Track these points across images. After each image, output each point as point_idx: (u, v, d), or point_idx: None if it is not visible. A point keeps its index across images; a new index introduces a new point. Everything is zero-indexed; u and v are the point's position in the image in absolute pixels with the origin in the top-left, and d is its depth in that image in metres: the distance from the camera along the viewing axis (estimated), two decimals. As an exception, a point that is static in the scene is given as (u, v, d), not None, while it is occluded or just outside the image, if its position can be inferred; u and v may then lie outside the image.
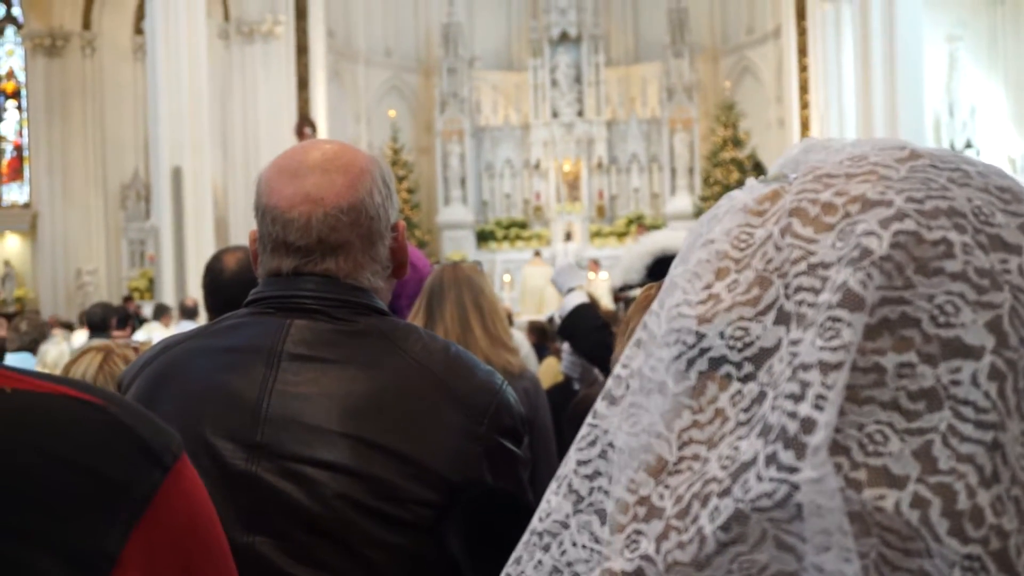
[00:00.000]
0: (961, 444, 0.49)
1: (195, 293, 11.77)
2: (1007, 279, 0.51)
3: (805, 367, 0.50)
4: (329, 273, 1.38)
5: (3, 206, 19.62)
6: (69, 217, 18.72)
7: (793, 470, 0.49)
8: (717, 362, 0.55)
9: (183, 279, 12.76)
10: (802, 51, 16.46)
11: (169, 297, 12.50)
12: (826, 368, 0.49)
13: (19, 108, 19.77)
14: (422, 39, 19.86)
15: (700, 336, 0.55)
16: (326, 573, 1.26)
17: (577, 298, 3.41)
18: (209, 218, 13.59)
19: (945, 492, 0.48)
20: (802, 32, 16.48)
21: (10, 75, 19.80)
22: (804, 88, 16.43)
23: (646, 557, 0.53)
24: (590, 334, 3.35)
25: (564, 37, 19.29)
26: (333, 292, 1.37)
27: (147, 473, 0.56)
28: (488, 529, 1.36)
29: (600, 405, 0.61)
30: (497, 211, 19.60)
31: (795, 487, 0.49)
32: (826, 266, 0.52)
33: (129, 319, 8.09)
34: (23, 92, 19.59)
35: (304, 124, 15.55)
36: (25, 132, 19.56)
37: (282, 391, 1.31)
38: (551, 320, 7.15)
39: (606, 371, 3.32)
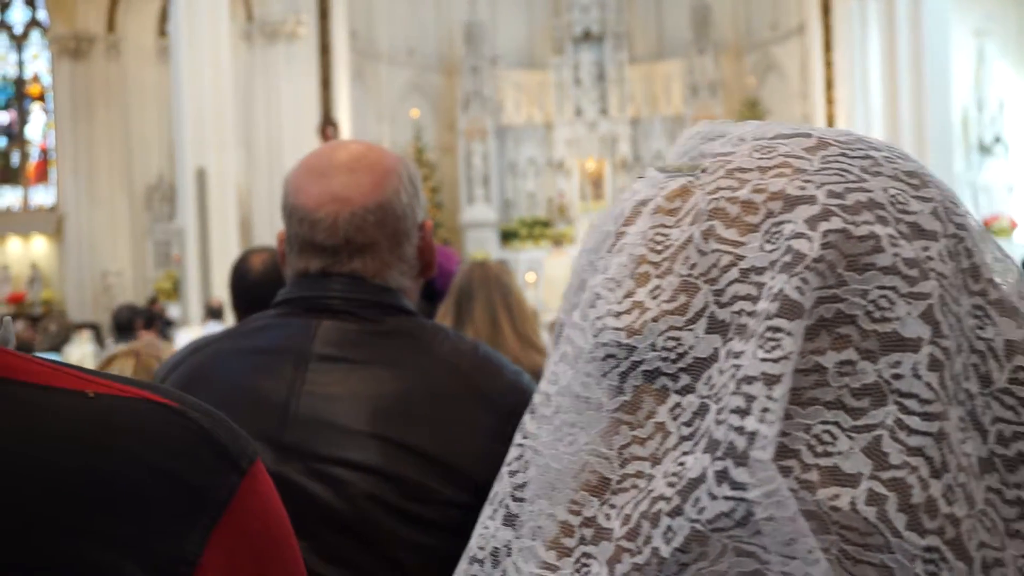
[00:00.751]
0: (910, 437, 0.49)
1: (220, 293, 11.83)
2: (931, 267, 0.52)
3: (748, 380, 0.49)
4: (356, 273, 1.38)
5: (30, 209, 19.82)
6: (95, 219, 18.87)
7: (746, 487, 0.48)
8: (651, 375, 0.53)
9: (208, 280, 12.82)
10: (827, 47, 16.33)
11: (194, 297, 12.56)
12: (770, 380, 0.49)
13: (45, 111, 19.96)
14: (444, 38, 19.86)
15: (630, 349, 0.54)
16: (354, 573, 1.26)
17: None
18: (233, 218, 13.65)
19: (899, 487, 0.48)
20: (827, 27, 16.36)
21: (36, 79, 19.99)
22: (829, 84, 16.31)
23: None
24: None
25: (587, 35, 19.24)
26: (360, 292, 1.37)
27: (225, 477, 0.56)
28: None
29: (528, 423, 0.59)
30: (520, 210, 19.59)
31: (752, 504, 0.48)
32: (759, 271, 0.52)
33: (155, 320, 8.13)
34: (49, 95, 19.77)
35: (327, 124, 15.59)
36: (51, 135, 19.73)
37: (311, 392, 1.31)
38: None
39: None
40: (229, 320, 9.96)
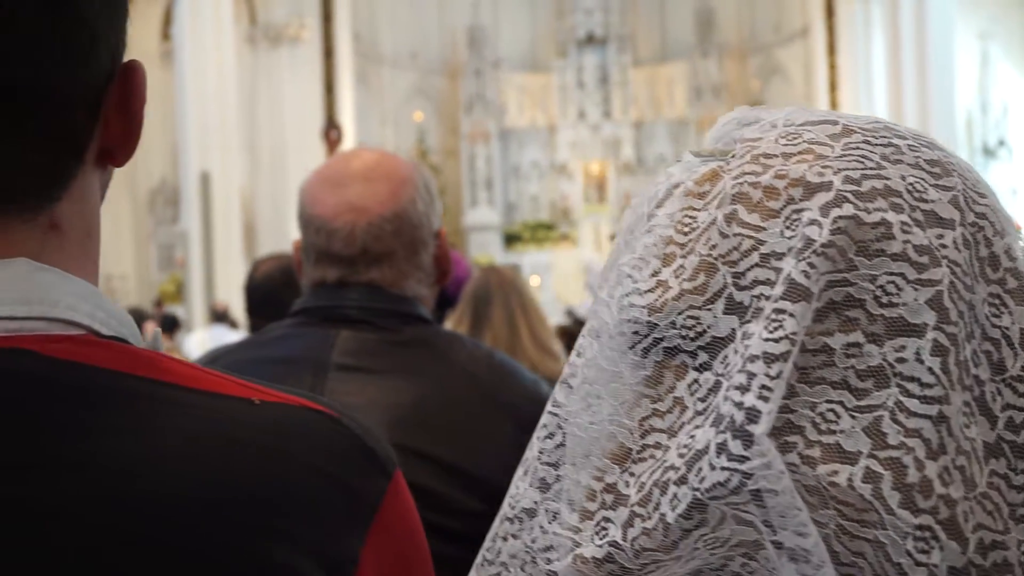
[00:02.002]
0: (908, 419, 0.50)
1: (224, 296, 11.83)
2: (944, 254, 0.53)
3: (752, 359, 0.51)
4: (374, 282, 1.38)
5: (34, 211, 19.80)
6: (99, 222, 18.85)
7: (742, 459, 0.50)
8: (672, 351, 0.55)
9: (212, 282, 12.82)
10: (831, 49, 16.32)
11: (198, 300, 12.56)
12: (770, 359, 0.51)
13: (49, 114, 19.96)
14: (447, 41, 19.88)
15: (652, 326, 0.56)
16: None
17: None
18: (237, 221, 13.66)
19: (895, 466, 0.50)
20: (831, 30, 16.35)
21: (40, 82, 20.00)
22: (833, 87, 16.29)
23: (614, 543, 0.54)
24: None
25: (590, 38, 19.26)
26: (378, 302, 1.37)
27: (376, 480, 0.59)
28: None
29: (558, 392, 0.62)
30: (524, 213, 19.60)
31: (747, 475, 0.50)
32: (778, 256, 0.53)
33: (175, 325, 8.12)
34: (53, 98, 19.78)
35: (330, 127, 15.59)
36: (55, 138, 19.73)
37: None
38: (576, 321, 7.12)
39: None
40: (238, 323, 9.96)
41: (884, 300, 0.52)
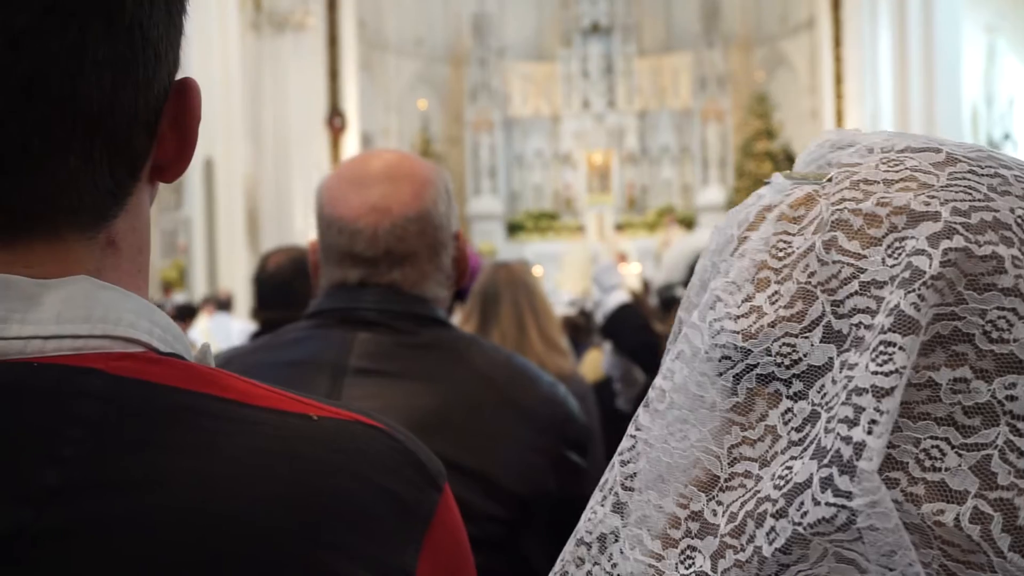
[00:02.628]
0: (1020, 459, 0.49)
1: (226, 283, 11.83)
2: None
3: (859, 391, 0.50)
4: (395, 283, 1.37)
5: (37, 196, 19.80)
6: (102, 207, 18.85)
7: (850, 495, 0.49)
8: (765, 379, 0.54)
9: (214, 269, 12.82)
10: (837, 41, 16.26)
11: (200, 287, 12.57)
12: (879, 393, 0.49)
13: (53, 99, 19.95)
14: (452, 29, 19.83)
15: (746, 352, 0.55)
16: None
17: (619, 297, 3.41)
18: (240, 208, 13.66)
19: (1006, 507, 0.49)
20: (837, 22, 16.28)
21: (44, 66, 19.98)
22: (839, 79, 16.24)
23: (702, 574, 0.54)
24: (633, 334, 3.36)
25: (595, 27, 19.20)
26: (395, 304, 1.36)
27: (428, 493, 0.61)
28: (557, 546, 1.37)
29: (642, 415, 0.61)
30: (527, 202, 19.57)
31: (854, 512, 0.49)
32: (879, 285, 0.52)
33: (194, 313, 8.09)
34: (57, 83, 19.76)
35: (334, 115, 15.57)
36: (59, 123, 19.72)
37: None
38: (582, 313, 7.11)
39: (650, 371, 3.32)
40: (239, 311, 9.97)
41: (994, 336, 0.51)
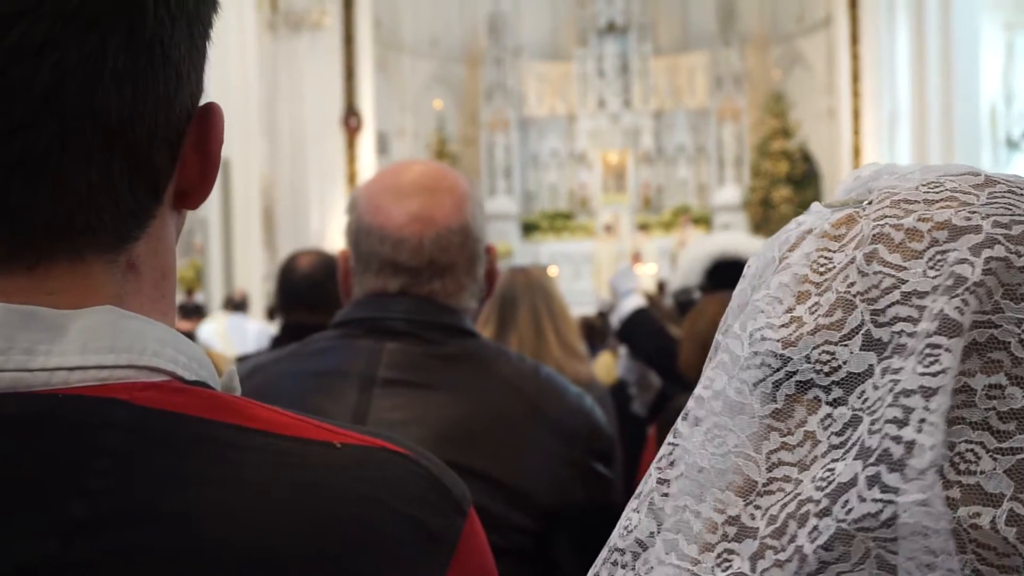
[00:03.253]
0: None
1: (243, 284, 11.86)
2: None
3: (907, 393, 0.51)
4: (434, 294, 1.37)
5: (56, 196, 19.92)
6: (120, 207, 18.93)
7: (898, 491, 0.50)
8: (804, 385, 0.56)
9: (231, 269, 12.86)
10: (854, 39, 16.17)
11: (216, 287, 12.62)
12: (928, 393, 0.50)
13: (71, 100, 20.06)
14: (468, 29, 19.84)
15: (785, 359, 0.56)
16: None
17: (635, 302, 3.42)
18: (256, 208, 13.70)
19: None
20: (854, 20, 16.20)
21: (63, 67, 20.09)
22: (856, 77, 16.16)
23: (740, 575, 0.54)
24: (649, 339, 3.36)
25: (611, 26, 19.18)
26: (423, 314, 1.37)
27: (453, 520, 0.61)
28: (587, 556, 1.39)
29: (681, 425, 0.62)
30: (542, 202, 19.57)
31: (901, 508, 0.50)
32: (920, 295, 0.53)
33: (197, 313, 8.09)
34: (75, 84, 19.87)
35: (350, 115, 15.60)
36: (77, 123, 19.83)
37: (376, 418, 1.30)
38: (600, 314, 7.10)
39: (665, 376, 3.31)
40: (255, 312, 9.99)
41: None
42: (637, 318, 3.35)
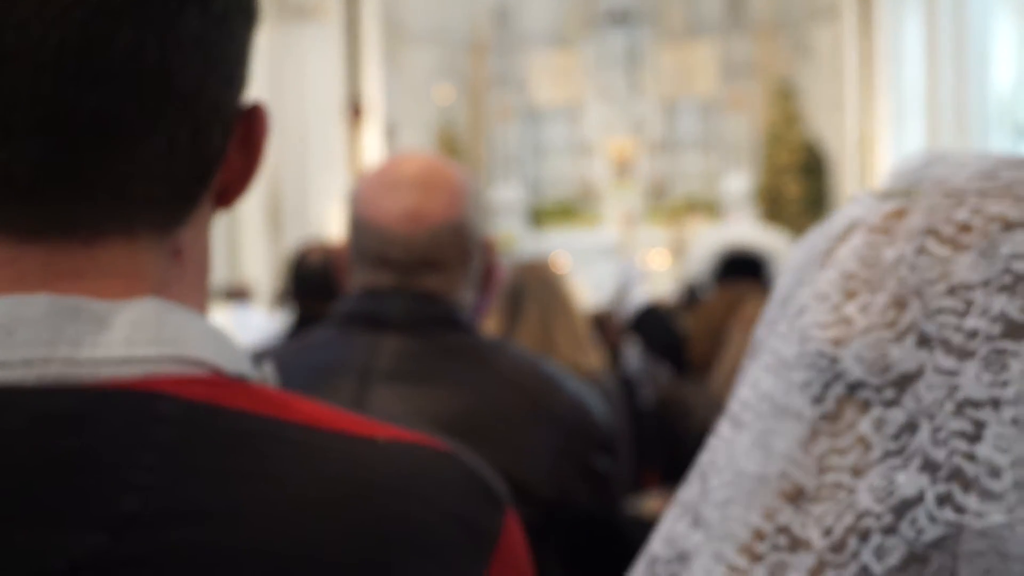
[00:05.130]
0: None
1: (246, 273, 11.83)
2: None
3: (975, 404, 0.49)
4: (428, 289, 1.38)
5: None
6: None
7: (977, 515, 0.48)
8: (855, 387, 0.54)
9: (235, 259, 12.85)
10: (864, 28, 16.06)
11: (221, 276, 12.60)
12: (999, 405, 0.49)
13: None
14: (474, 18, 19.75)
15: (834, 360, 0.55)
16: None
17: (645, 296, 3.50)
18: (261, 198, 13.67)
19: None
20: (865, 7, 16.07)
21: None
22: (866, 65, 16.03)
23: None
24: (662, 334, 3.43)
25: (618, 15, 19.05)
26: (422, 308, 1.37)
27: (493, 515, 0.61)
28: (583, 552, 1.37)
29: (724, 428, 0.60)
30: (549, 192, 19.50)
31: (979, 533, 0.48)
32: (968, 287, 0.52)
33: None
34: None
35: (355, 104, 15.53)
36: (82, 113, 19.88)
37: (376, 411, 1.30)
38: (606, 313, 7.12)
39: (678, 368, 3.30)
40: (258, 303, 9.95)
41: None
42: (649, 314, 3.41)
